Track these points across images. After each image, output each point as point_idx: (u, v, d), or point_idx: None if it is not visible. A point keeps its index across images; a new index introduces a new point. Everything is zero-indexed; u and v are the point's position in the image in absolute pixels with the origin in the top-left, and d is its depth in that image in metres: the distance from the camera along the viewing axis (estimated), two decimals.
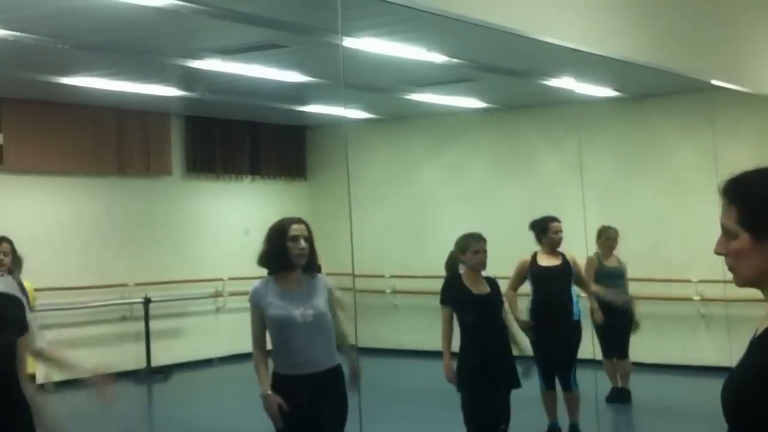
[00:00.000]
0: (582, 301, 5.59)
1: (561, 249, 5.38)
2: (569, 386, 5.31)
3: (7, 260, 4.57)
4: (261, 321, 3.35)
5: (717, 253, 1.45)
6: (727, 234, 1.42)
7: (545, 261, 5.34)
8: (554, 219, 5.37)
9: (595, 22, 4.66)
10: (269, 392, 3.27)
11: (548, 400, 5.39)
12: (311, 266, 3.37)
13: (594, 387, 5.55)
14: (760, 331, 1.40)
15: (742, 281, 1.43)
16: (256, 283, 3.40)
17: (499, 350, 4.34)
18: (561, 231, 5.31)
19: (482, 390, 4.25)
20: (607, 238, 6.38)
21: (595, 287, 5.81)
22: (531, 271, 5.36)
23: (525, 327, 5.20)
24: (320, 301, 3.32)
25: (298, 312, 3.27)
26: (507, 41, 4.66)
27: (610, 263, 6.40)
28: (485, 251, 4.33)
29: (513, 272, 5.37)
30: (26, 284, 4.56)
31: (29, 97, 7.70)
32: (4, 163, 7.71)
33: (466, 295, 4.30)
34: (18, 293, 2.65)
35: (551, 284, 5.27)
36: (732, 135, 7.13)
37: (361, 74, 6.51)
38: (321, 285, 3.37)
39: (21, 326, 2.54)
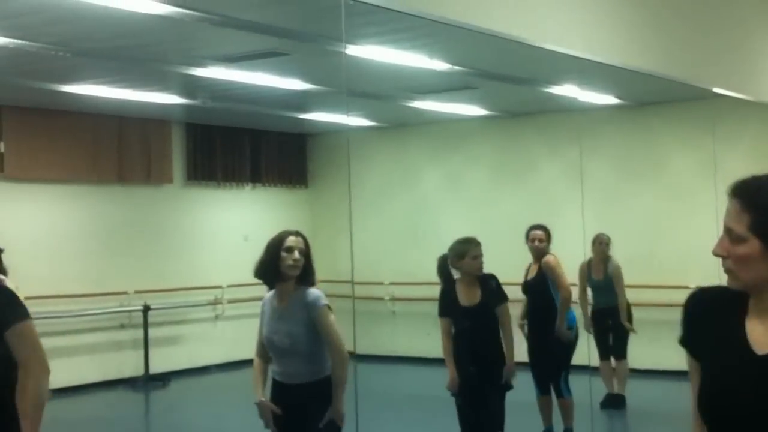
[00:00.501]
0: (575, 308, 5.60)
1: (556, 253, 5.42)
2: (561, 393, 5.37)
3: None
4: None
5: (716, 254, 1.41)
6: (734, 237, 1.38)
7: (530, 273, 5.46)
8: (535, 227, 5.42)
9: (597, 30, 4.67)
10: (262, 399, 3.35)
11: (543, 405, 5.45)
12: (305, 279, 3.34)
13: (589, 393, 5.56)
14: None
15: (742, 285, 1.40)
16: (270, 292, 3.44)
17: (491, 355, 4.36)
18: (540, 239, 5.34)
19: (478, 396, 4.28)
20: (599, 243, 6.40)
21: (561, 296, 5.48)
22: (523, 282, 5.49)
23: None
24: (296, 326, 3.27)
25: (276, 337, 3.33)
26: (509, 49, 4.67)
27: (597, 275, 6.42)
28: (482, 255, 4.38)
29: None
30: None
31: (30, 105, 7.70)
32: (4, 170, 7.70)
33: (457, 308, 4.36)
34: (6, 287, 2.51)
35: (532, 296, 5.42)
36: (732, 143, 7.14)
37: (363, 82, 6.52)
38: (301, 307, 3.27)
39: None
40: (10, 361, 2.29)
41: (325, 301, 3.29)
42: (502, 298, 4.46)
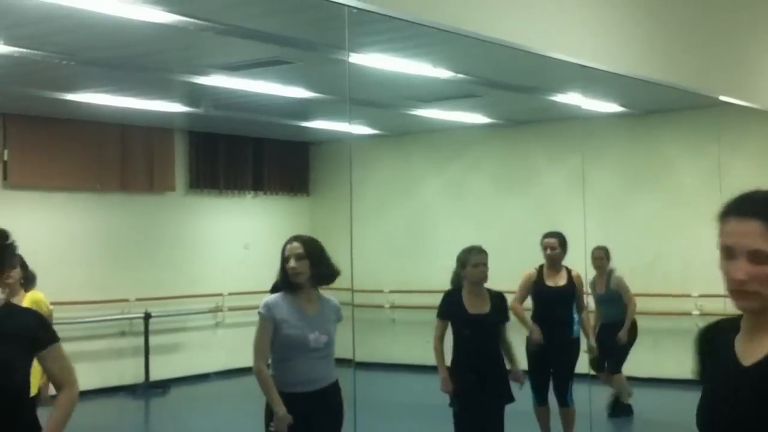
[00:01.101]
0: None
1: (566, 264, 5.38)
2: (566, 402, 5.34)
3: (15, 275, 4.54)
4: (270, 335, 3.33)
5: (740, 281, 1.35)
6: (760, 258, 1.33)
7: (551, 280, 5.33)
8: (548, 235, 5.37)
9: (601, 38, 4.66)
10: (285, 411, 3.27)
11: (541, 414, 5.41)
12: (317, 281, 3.38)
13: (588, 402, 5.54)
14: (757, 357, 1.34)
15: (760, 305, 1.35)
16: (270, 296, 3.41)
17: (492, 367, 4.28)
18: (552, 247, 5.28)
19: (476, 405, 4.23)
20: (595, 258, 6.34)
21: (584, 315, 5.60)
22: (536, 287, 5.36)
23: (536, 338, 5.21)
24: (332, 326, 3.40)
25: (312, 336, 3.31)
26: (513, 57, 4.67)
27: (600, 288, 6.39)
28: (485, 264, 4.24)
29: (519, 285, 5.38)
30: (37, 296, 4.55)
31: (34, 114, 7.72)
32: (8, 178, 7.72)
33: (461, 314, 4.27)
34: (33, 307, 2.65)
35: (554, 305, 5.30)
36: (738, 151, 7.12)
37: (366, 90, 6.52)
38: (331, 310, 3.44)
39: (30, 342, 2.48)
40: (12, 362, 2.42)
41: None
42: (507, 317, 4.42)
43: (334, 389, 3.39)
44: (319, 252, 3.38)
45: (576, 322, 5.36)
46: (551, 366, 5.33)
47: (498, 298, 4.32)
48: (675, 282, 7.70)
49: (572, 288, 5.28)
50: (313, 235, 3.57)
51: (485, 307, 4.25)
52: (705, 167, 7.40)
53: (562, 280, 5.30)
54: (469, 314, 4.25)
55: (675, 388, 7.41)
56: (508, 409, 4.38)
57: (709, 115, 6.78)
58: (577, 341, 5.38)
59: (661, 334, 7.72)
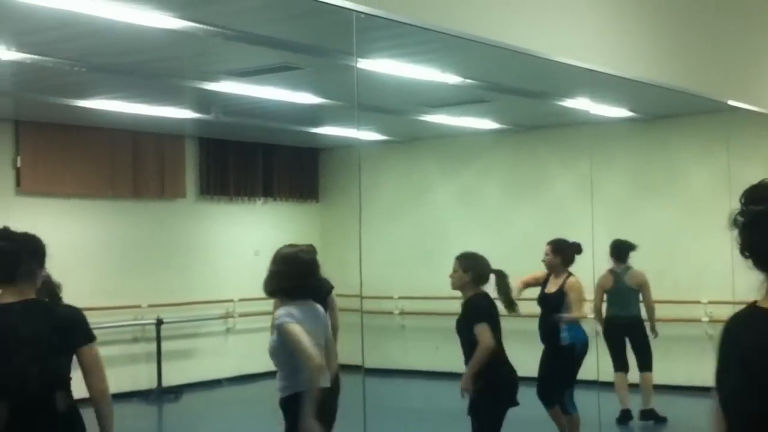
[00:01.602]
0: (585, 323, 5.57)
1: (572, 270, 5.44)
2: (566, 410, 5.37)
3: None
4: None
5: None
6: None
7: (548, 286, 5.47)
8: (549, 242, 5.49)
9: (610, 43, 4.66)
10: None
11: (555, 416, 5.47)
12: (272, 292, 3.46)
13: (597, 409, 5.53)
14: None
15: None
16: None
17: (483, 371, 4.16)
18: (545, 253, 5.43)
19: (475, 408, 4.21)
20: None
21: (577, 314, 5.43)
22: (539, 292, 5.52)
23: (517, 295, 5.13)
24: (273, 336, 3.38)
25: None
26: (522, 62, 4.67)
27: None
28: (454, 271, 4.25)
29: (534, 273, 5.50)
30: None
31: (46, 120, 7.78)
32: (21, 185, 7.79)
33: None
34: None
35: (545, 311, 5.42)
36: (747, 156, 7.08)
37: (375, 96, 6.53)
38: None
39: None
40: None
41: (280, 320, 3.29)
42: (474, 319, 4.15)
43: (295, 399, 3.28)
44: (274, 263, 3.42)
45: (566, 329, 5.33)
46: (550, 372, 5.38)
47: (466, 303, 4.22)
48: (684, 288, 7.66)
49: (560, 295, 5.33)
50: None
51: (460, 314, 4.29)
52: (714, 172, 7.36)
53: (554, 287, 5.40)
54: (457, 320, 4.32)
55: (684, 394, 7.35)
56: (521, 413, 4.35)
57: (718, 120, 6.75)
58: (569, 348, 5.31)
59: (671, 340, 7.67)
